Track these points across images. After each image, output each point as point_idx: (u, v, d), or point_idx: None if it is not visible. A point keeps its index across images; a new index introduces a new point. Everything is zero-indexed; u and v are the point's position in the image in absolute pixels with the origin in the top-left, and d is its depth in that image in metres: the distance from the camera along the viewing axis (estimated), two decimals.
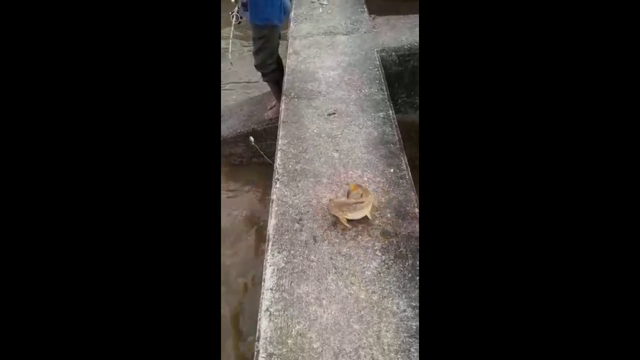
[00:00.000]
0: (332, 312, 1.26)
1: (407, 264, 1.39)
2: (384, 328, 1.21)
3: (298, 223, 1.56)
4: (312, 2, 3.31)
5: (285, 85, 2.37)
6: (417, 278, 1.34)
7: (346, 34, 2.83)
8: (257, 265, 2.31)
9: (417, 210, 1.58)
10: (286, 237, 1.51)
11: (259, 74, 2.64)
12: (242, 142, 2.85)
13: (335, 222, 1.53)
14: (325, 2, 3.28)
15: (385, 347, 1.17)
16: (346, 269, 1.38)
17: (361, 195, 1.53)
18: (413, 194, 1.65)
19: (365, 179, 1.73)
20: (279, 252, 1.45)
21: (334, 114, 2.11)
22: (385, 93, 2.25)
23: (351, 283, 1.34)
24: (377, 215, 1.56)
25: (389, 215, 1.57)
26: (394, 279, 1.35)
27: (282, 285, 1.34)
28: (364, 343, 1.18)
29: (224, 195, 2.74)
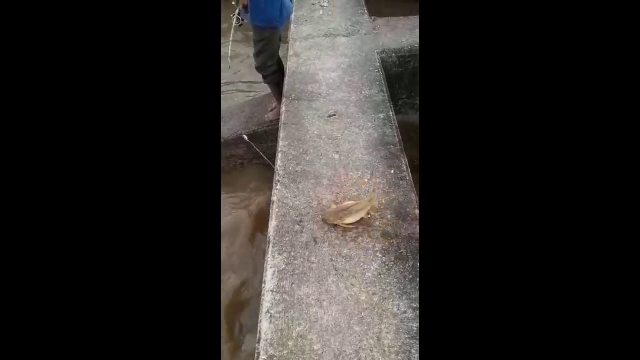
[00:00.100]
0: (333, 314, 1.26)
1: (407, 265, 1.39)
2: (385, 330, 1.21)
3: (299, 225, 1.56)
4: (313, 4, 3.32)
5: (286, 87, 2.38)
6: (418, 279, 1.34)
7: (347, 36, 2.83)
8: (257, 266, 2.31)
9: (417, 211, 1.58)
10: (287, 238, 1.51)
11: (260, 75, 2.65)
12: (242, 144, 2.86)
13: (336, 225, 1.53)
14: (325, 4, 3.29)
15: (386, 349, 1.17)
16: (347, 270, 1.38)
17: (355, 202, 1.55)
18: (413, 195, 1.65)
19: (366, 180, 1.73)
20: (279, 254, 1.45)
21: (335, 115, 2.12)
22: (386, 94, 2.25)
23: (352, 284, 1.34)
24: (378, 217, 1.56)
25: (389, 216, 1.57)
26: (395, 280, 1.35)
27: (283, 287, 1.35)
28: (365, 345, 1.18)
29: (224, 196, 2.75)
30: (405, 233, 1.50)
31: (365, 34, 2.84)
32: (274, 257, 1.45)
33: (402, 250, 1.44)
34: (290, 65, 2.57)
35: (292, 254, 1.45)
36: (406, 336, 1.19)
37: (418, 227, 1.51)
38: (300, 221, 1.57)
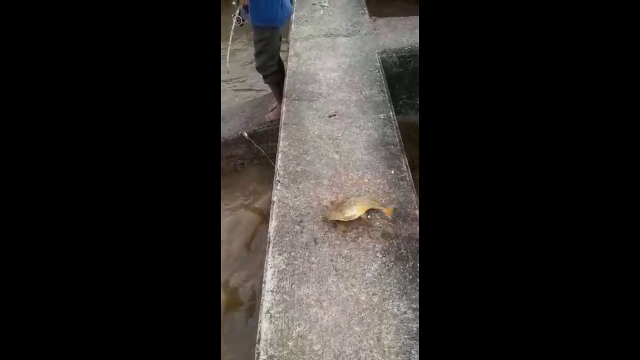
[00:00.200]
0: (333, 314, 1.26)
1: (407, 265, 1.39)
2: (385, 330, 1.21)
3: (299, 225, 1.56)
4: (313, 4, 3.32)
5: (286, 87, 2.38)
6: (418, 280, 1.33)
7: (347, 36, 2.83)
8: (257, 267, 2.31)
9: (417, 211, 1.58)
10: (287, 238, 1.51)
11: (260, 75, 2.65)
12: (243, 144, 2.86)
13: (336, 224, 1.53)
14: (326, 4, 3.29)
15: (386, 349, 1.17)
16: (347, 270, 1.38)
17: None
18: (414, 195, 1.65)
19: (366, 180, 1.73)
20: (279, 254, 1.45)
21: (335, 115, 2.11)
22: (386, 94, 2.25)
23: (352, 285, 1.34)
24: (378, 217, 1.56)
25: (389, 216, 1.57)
26: (395, 280, 1.35)
27: (283, 287, 1.34)
28: (365, 345, 1.18)
29: (224, 196, 2.75)
30: (405, 233, 1.50)
31: (366, 34, 2.84)
32: (274, 257, 1.45)
33: (402, 251, 1.44)
34: (290, 65, 2.57)
35: (292, 254, 1.45)
36: (406, 336, 1.19)
37: (418, 227, 1.51)
38: (300, 221, 1.57)
